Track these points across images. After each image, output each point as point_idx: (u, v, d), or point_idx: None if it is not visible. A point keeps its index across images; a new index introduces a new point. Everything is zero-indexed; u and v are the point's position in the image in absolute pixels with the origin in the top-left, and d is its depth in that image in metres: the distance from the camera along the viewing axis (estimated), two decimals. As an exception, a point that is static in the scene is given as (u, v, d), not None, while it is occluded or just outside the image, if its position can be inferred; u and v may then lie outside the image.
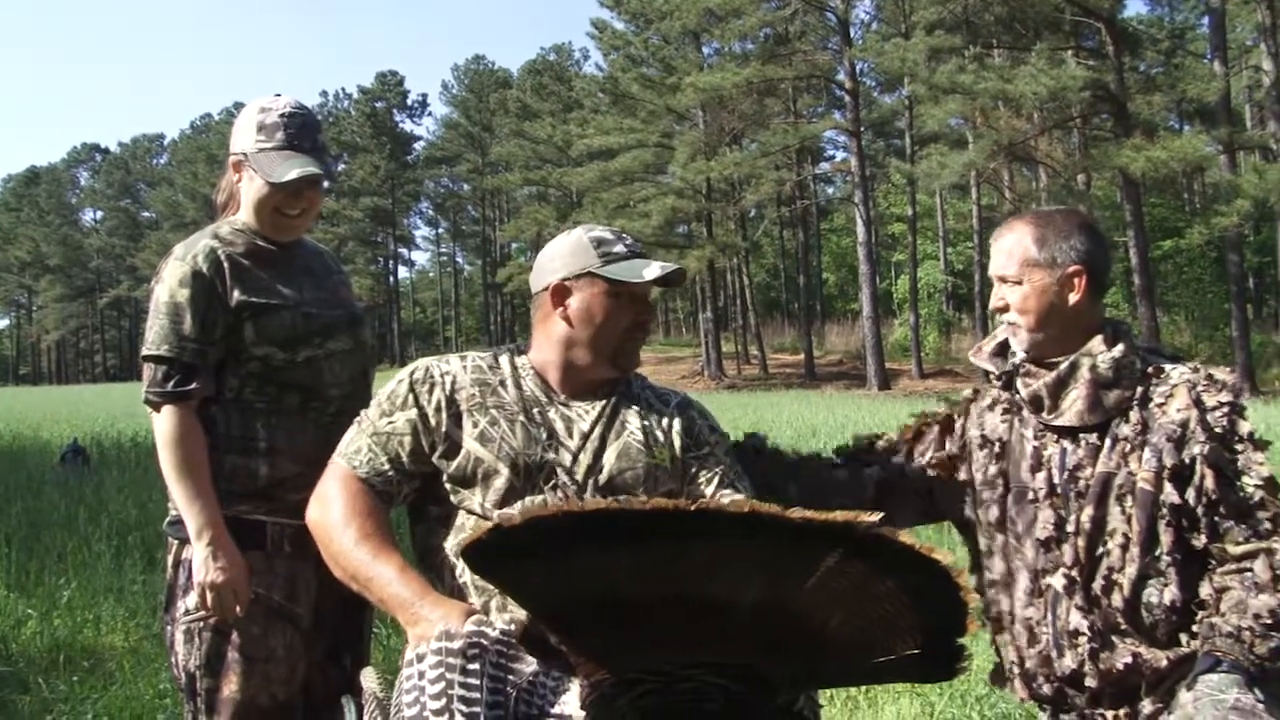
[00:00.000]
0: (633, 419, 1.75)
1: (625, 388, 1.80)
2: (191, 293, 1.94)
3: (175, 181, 63.51)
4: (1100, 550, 1.75)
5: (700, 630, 1.21)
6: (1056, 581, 1.78)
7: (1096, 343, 1.80)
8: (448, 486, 1.69)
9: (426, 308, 68.96)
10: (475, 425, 1.70)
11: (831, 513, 1.14)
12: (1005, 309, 1.86)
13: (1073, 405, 1.79)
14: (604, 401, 1.75)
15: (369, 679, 1.58)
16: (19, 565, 5.07)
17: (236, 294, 1.96)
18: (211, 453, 1.94)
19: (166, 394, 1.92)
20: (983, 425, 1.92)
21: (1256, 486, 1.69)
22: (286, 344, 1.98)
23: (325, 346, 2.03)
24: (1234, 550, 1.67)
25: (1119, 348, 1.79)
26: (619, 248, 1.75)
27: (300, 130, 2.00)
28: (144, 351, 1.97)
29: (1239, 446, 1.72)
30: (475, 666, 1.36)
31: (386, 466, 1.71)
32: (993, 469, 1.88)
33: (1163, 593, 1.71)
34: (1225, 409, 1.73)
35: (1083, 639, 1.75)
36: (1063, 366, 1.80)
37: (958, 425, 1.97)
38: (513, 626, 1.43)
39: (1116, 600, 1.74)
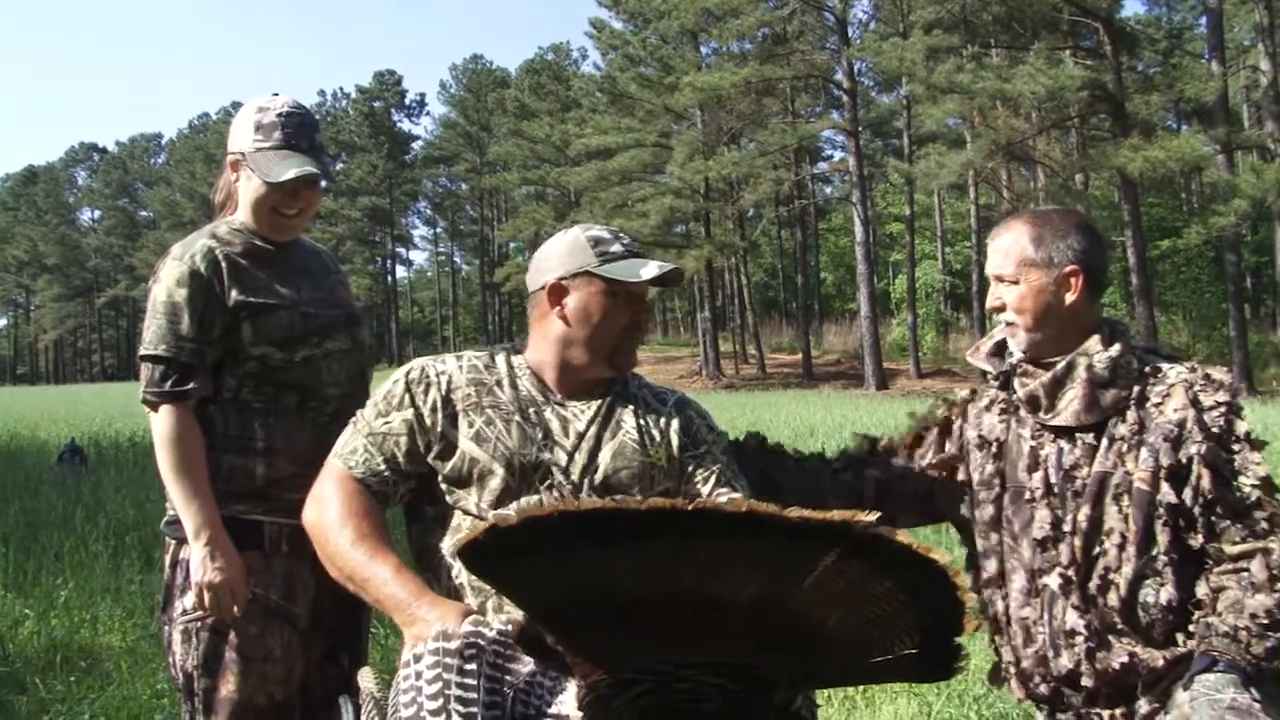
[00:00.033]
0: (628, 418, 1.75)
1: (622, 387, 1.79)
2: (189, 292, 1.94)
3: (173, 181, 63.48)
4: (1097, 550, 1.75)
5: (698, 630, 1.20)
6: (1053, 581, 1.78)
7: (1093, 342, 1.80)
8: (443, 487, 1.69)
9: (424, 307, 68.94)
10: (471, 425, 1.69)
11: (829, 512, 1.14)
12: (1002, 308, 1.85)
13: (1069, 405, 1.79)
14: (600, 401, 1.75)
15: (366, 679, 1.58)
16: (16, 565, 5.06)
17: (234, 294, 1.96)
18: (209, 452, 1.94)
19: (164, 394, 1.92)
20: (980, 425, 1.92)
21: (1253, 486, 1.69)
22: (284, 344, 1.98)
23: (323, 346, 2.02)
24: (1230, 550, 1.67)
25: (1116, 347, 1.79)
26: (616, 247, 1.75)
27: (298, 130, 2.00)
28: (141, 351, 1.97)
29: (1236, 446, 1.72)
30: (472, 667, 1.36)
31: (382, 467, 1.70)
32: (990, 469, 1.88)
33: (1159, 592, 1.71)
34: (1222, 409, 1.73)
35: (1079, 639, 1.75)
36: (1059, 366, 1.80)
37: (955, 427, 1.97)
38: (509, 627, 1.42)
39: (1113, 600, 1.74)
